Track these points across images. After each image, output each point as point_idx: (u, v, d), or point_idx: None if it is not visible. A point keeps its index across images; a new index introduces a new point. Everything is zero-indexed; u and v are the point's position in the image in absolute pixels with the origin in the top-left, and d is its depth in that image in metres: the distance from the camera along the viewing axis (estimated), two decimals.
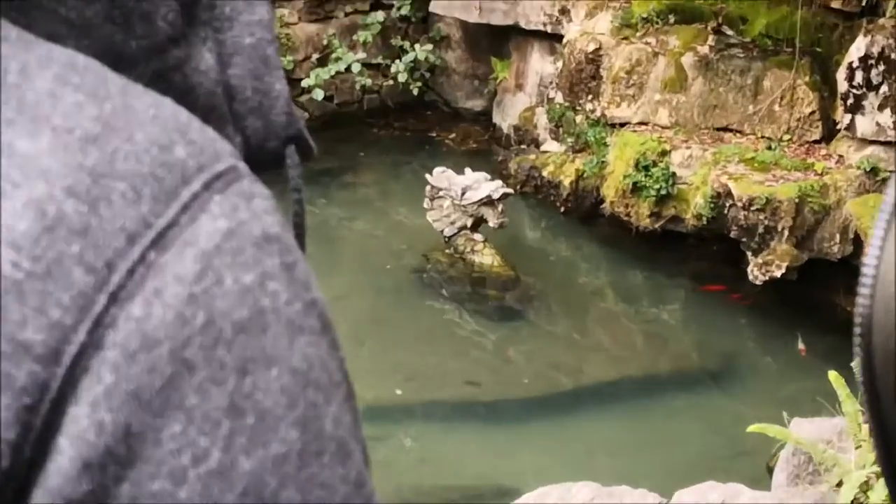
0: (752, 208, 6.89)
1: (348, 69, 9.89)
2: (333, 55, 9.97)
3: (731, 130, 7.75)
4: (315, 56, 10.05)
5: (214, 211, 0.52)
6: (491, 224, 7.24)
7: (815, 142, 7.43)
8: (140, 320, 0.48)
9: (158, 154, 0.52)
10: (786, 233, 6.86)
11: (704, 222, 7.17)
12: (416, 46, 10.10)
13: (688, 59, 7.93)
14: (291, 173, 0.71)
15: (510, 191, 7.43)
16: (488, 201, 7.19)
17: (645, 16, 8.21)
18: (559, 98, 8.84)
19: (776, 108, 7.58)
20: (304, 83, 9.77)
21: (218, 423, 0.48)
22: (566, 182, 8.32)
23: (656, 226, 7.59)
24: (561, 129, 8.74)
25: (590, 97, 8.50)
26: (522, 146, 9.23)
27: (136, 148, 0.51)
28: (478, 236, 7.39)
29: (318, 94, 9.88)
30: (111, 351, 0.47)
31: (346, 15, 10.32)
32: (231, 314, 0.50)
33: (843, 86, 7.19)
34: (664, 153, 7.55)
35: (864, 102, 7.10)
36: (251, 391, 0.49)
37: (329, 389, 0.53)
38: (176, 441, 0.47)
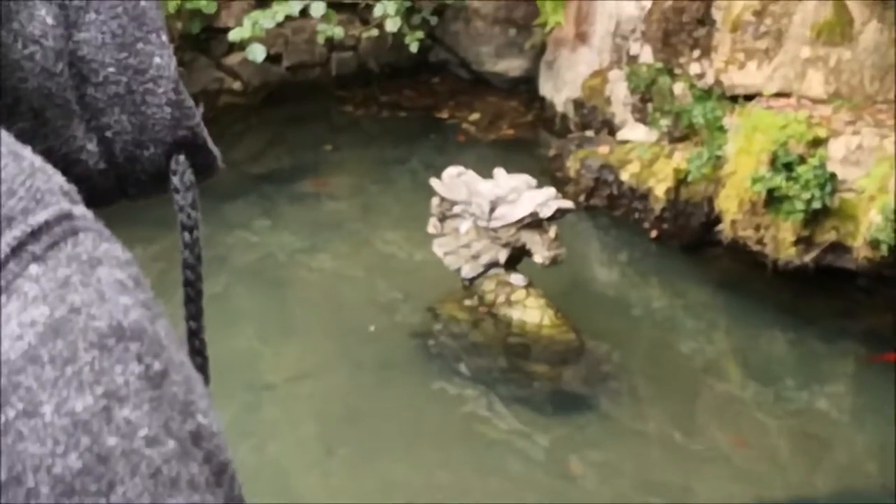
0: None
1: (305, 12, 9.97)
2: None
3: None
4: None
5: (28, 292, 0.51)
6: (538, 258, 7.29)
7: None
8: None
9: None
10: None
11: (884, 252, 7.19)
12: None
13: None
14: (179, 199, 0.73)
15: (569, 204, 7.45)
16: (533, 222, 7.24)
17: None
18: (646, 55, 8.95)
19: None
20: (235, 35, 9.84)
21: None
22: (659, 190, 8.40)
23: (806, 259, 7.63)
24: (650, 106, 8.84)
25: (696, 54, 8.59)
26: (588, 133, 9.31)
27: None
28: (517, 278, 7.44)
29: (258, 53, 9.94)
30: None
31: None
32: (52, 465, 0.49)
33: None
34: (818, 142, 7.60)
35: None
36: None
37: None
38: None
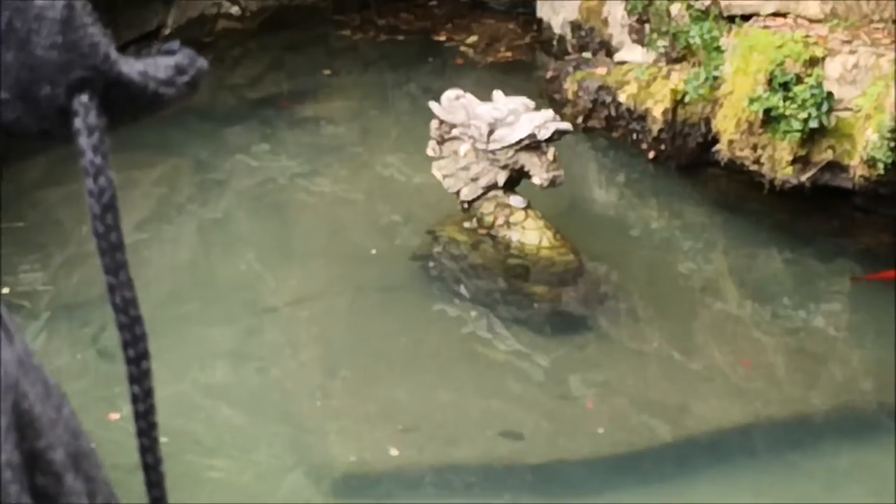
0: None
1: None
2: None
3: None
4: None
5: None
6: (536, 180, 7.29)
7: None
8: None
9: None
10: None
11: (880, 171, 7.21)
12: None
13: None
14: (80, 142, 0.68)
15: (567, 126, 7.44)
16: (532, 144, 7.22)
17: None
18: None
19: None
20: None
21: None
22: (657, 111, 8.39)
23: (803, 178, 7.63)
24: (647, 27, 8.81)
25: None
26: (585, 55, 9.30)
27: None
28: (516, 200, 7.45)
29: None
30: None
31: None
32: None
33: None
34: (814, 62, 7.59)
35: None
36: None
37: None
38: None
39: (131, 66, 0.70)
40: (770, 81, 7.61)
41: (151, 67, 0.72)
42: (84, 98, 0.67)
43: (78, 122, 0.67)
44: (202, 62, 0.76)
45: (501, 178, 7.39)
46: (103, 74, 0.68)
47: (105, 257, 0.70)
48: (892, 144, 7.14)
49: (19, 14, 0.64)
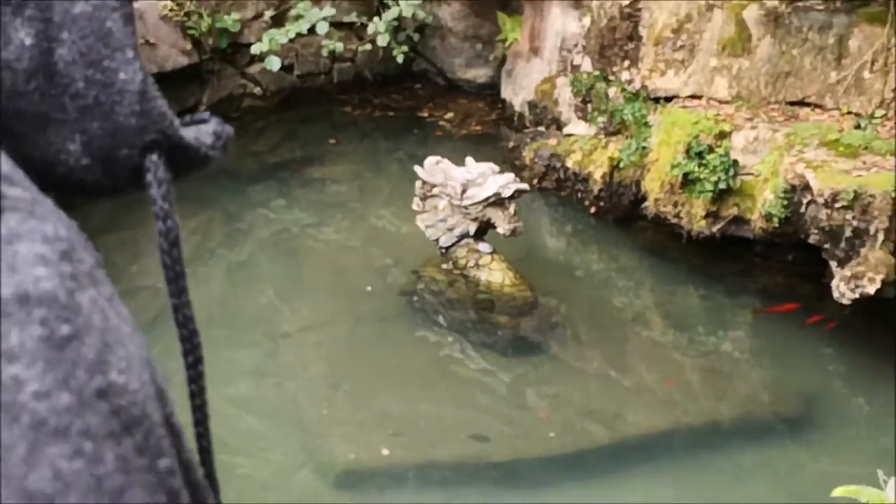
0: (837, 205, 6.84)
1: (312, 30, 9.97)
2: (293, 12, 10.08)
3: (808, 105, 7.84)
4: (269, 13, 10.16)
5: None
6: (500, 230, 7.31)
7: None
8: None
9: None
10: (880, 236, 6.80)
11: (775, 224, 7.25)
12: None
13: (751, 14, 8.00)
14: (152, 193, 0.68)
15: (525, 186, 7.43)
16: (497, 201, 7.24)
17: None
18: (587, 65, 8.96)
19: (866, 74, 7.64)
20: (255, 49, 9.84)
21: None
22: (597, 174, 8.44)
23: (714, 229, 7.70)
24: (589, 106, 8.86)
25: (626, 64, 8.61)
26: (540, 128, 9.33)
27: None
28: (483, 246, 7.47)
29: (274, 64, 9.94)
30: None
31: None
32: None
33: None
34: (723, 135, 7.65)
35: None
36: None
37: None
38: None
39: (187, 132, 0.71)
40: (688, 151, 7.65)
41: (200, 134, 0.72)
42: (154, 157, 0.67)
43: (149, 177, 0.67)
44: (229, 129, 0.77)
45: (472, 228, 7.40)
46: (169, 137, 0.68)
47: (171, 284, 0.70)
48: (785, 203, 7.14)
49: (105, 89, 0.64)
